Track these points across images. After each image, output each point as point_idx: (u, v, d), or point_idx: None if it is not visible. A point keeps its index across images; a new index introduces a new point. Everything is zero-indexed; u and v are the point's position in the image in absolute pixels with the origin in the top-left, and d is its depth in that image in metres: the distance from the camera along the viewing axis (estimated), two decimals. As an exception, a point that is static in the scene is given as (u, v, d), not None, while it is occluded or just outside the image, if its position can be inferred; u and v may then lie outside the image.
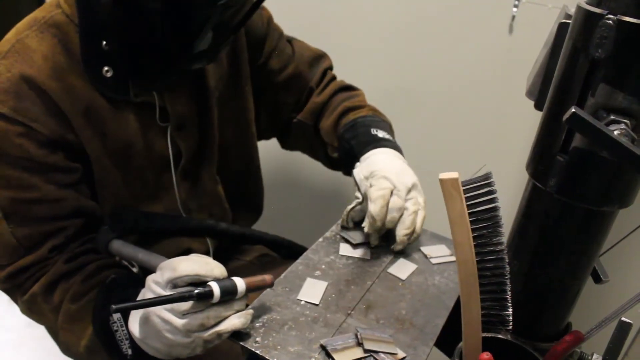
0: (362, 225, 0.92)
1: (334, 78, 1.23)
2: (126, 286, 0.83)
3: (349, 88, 1.21)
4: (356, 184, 0.98)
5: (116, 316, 0.77)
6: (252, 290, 0.75)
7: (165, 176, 0.99)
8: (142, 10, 0.76)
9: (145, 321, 0.72)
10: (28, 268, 0.85)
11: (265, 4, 1.07)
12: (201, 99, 0.99)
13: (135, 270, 0.91)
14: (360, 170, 0.98)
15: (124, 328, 0.77)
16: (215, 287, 0.70)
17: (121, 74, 0.85)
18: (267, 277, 0.78)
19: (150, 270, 0.79)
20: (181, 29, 0.78)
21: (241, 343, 0.74)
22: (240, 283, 0.73)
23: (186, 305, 0.69)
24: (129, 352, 0.78)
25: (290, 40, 1.18)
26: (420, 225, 0.92)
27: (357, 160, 1.01)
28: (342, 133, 1.09)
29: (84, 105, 0.84)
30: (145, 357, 0.77)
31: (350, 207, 0.97)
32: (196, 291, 0.68)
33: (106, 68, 0.83)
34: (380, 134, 1.05)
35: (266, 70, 1.12)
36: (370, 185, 0.91)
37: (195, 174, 1.04)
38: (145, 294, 0.74)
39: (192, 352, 0.73)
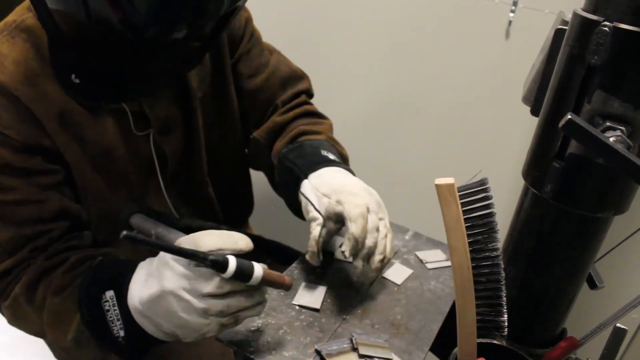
0: (342, 249, 0.80)
1: (306, 102, 1.14)
2: (117, 264, 0.80)
3: (315, 115, 1.13)
4: (310, 203, 0.86)
5: (109, 294, 0.74)
6: (268, 282, 0.70)
7: (152, 180, 0.97)
8: (105, 26, 0.73)
9: (157, 299, 0.68)
10: (10, 271, 0.83)
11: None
12: (184, 101, 0.97)
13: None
14: (313, 187, 0.87)
15: (115, 308, 0.74)
16: (232, 262, 0.64)
17: (88, 83, 0.83)
18: (286, 278, 0.73)
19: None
20: (143, 52, 0.77)
21: (236, 347, 0.74)
22: (258, 269, 0.67)
23: (208, 287, 0.65)
24: (121, 333, 0.74)
25: (271, 52, 1.12)
26: (390, 249, 0.82)
27: (305, 178, 0.90)
28: (285, 153, 0.99)
29: (59, 109, 0.83)
30: (139, 339, 0.74)
31: (315, 234, 0.82)
32: (211, 257, 0.63)
33: (73, 75, 0.81)
34: (331, 156, 0.95)
35: (235, 72, 1.07)
36: (338, 202, 0.81)
37: (185, 177, 1.02)
38: (161, 271, 0.68)
39: (201, 335, 0.69)
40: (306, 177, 0.90)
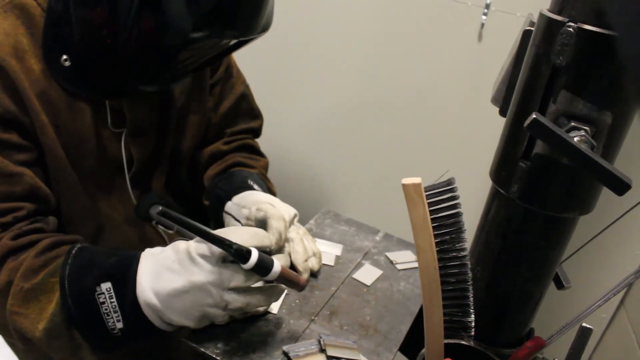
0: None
1: (250, 139, 1.18)
2: (106, 254, 0.78)
3: (255, 151, 1.17)
4: (231, 216, 0.94)
5: (105, 286, 0.73)
6: (284, 279, 0.72)
7: (118, 182, 0.95)
8: (115, 15, 0.73)
9: (182, 294, 0.70)
10: None
11: None
12: (163, 107, 0.96)
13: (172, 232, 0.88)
14: (235, 204, 0.95)
15: (113, 300, 0.73)
16: (254, 254, 0.68)
17: (78, 67, 0.81)
18: (302, 278, 0.75)
19: (187, 238, 0.76)
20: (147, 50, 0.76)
21: (202, 349, 0.73)
22: (277, 264, 0.70)
23: (234, 281, 0.69)
24: (118, 325, 0.73)
25: (241, 84, 1.14)
26: (313, 245, 0.92)
27: (229, 200, 0.97)
28: (217, 182, 1.05)
29: (40, 90, 0.81)
30: (139, 330, 0.74)
31: None
32: (235, 246, 0.67)
33: (65, 57, 0.79)
34: (257, 187, 1.00)
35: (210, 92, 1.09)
36: (259, 210, 0.88)
37: (146, 183, 1.00)
38: (187, 267, 0.71)
39: (210, 323, 0.74)
40: (230, 200, 0.97)
